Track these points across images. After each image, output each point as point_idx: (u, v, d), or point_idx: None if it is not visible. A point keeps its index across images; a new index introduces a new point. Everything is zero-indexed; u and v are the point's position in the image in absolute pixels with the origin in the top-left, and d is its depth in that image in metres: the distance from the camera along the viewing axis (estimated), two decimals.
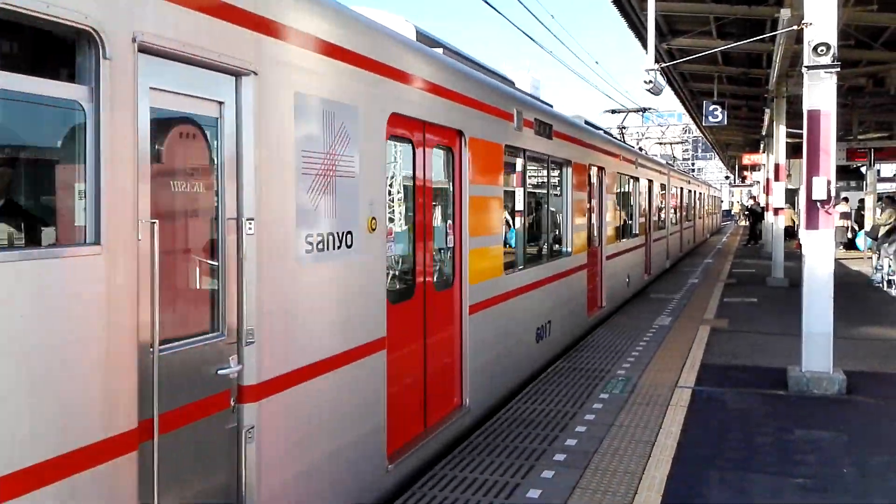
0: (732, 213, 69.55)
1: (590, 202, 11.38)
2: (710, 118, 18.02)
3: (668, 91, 21.25)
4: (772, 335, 10.69)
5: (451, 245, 6.33)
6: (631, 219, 15.53)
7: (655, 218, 18.88)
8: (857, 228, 25.76)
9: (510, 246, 8.11)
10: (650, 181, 17.86)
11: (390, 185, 5.48)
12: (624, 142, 20.01)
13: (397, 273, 5.61)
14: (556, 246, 10.04)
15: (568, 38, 69.70)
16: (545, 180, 9.54)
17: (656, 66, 11.03)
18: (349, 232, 4.50)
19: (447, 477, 5.32)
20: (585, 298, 11.08)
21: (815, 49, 7.50)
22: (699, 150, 79.10)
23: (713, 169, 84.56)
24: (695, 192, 31.13)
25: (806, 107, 7.67)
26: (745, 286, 16.86)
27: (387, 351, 4.96)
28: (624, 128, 21.91)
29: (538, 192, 9.50)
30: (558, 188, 10.09)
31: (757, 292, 15.65)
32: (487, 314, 6.87)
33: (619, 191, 13.83)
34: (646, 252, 17.19)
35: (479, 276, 6.65)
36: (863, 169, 25.72)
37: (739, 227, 49.48)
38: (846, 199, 26.57)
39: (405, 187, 5.74)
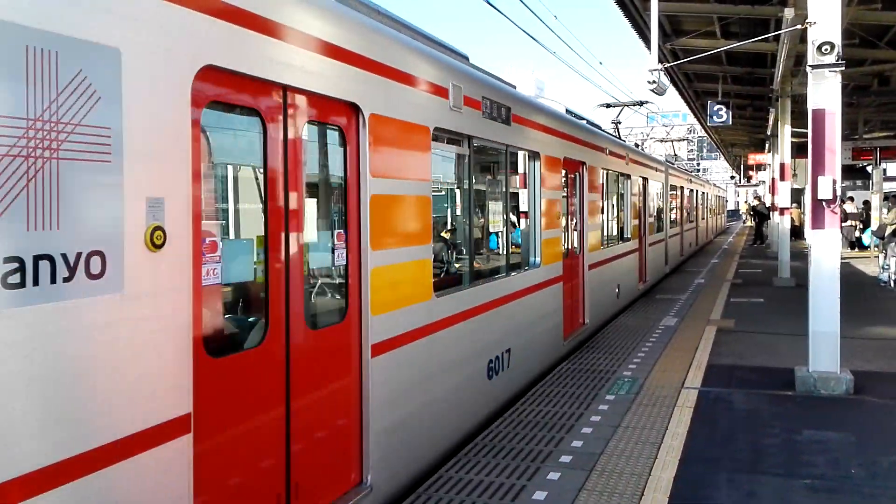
0: (740, 213, 69.41)
1: (567, 203, 9.94)
2: (714, 118, 18.01)
3: (672, 91, 21.23)
4: (778, 335, 10.65)
5: (341, 262, 4.68)
6: (621, 221, 14.36)
7: (651, 220, 17.69)
8: (862, 227, 25.74)
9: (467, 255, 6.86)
10: (644, 179, 16.37)
11: (237, 178, 4.09)
12: (619, 137, 19.08)
13: (231, 309, 4.07)
14: (519, 255, 8.51)
15: (571, 39, 69.68)
16: (502, 176, 7.99)
17: (660, 67, 11.03)
18: (95, 253, 2.83)
19: (452, 479, 5.31)
20: (561, 316, 9.45)
21: (819, 48, 7.49)
22: (704, 150, 79.22)
23: (718, 169, 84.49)
24: (697, 191, 30.46)
25: (811, 106, 7.65)
26: (752, 286, 16.81)
27: (194, 435, 3.32)
28: (618, 122, 21.20)
29: (491, 191, 8.12)
30: (523, 185, 8.66)
31: (763, 292, 15.61)
32: (405, 353, 5.24)
33: (605, 190, 12.45)
34: (640, 258, 15.74)
35: (390, 304, 5.03)
36: (868, 168, 25.68)
37: (746, 228, 49.41)
38: (852, 199, 26.55)
39: (248, 180, 4.20)
